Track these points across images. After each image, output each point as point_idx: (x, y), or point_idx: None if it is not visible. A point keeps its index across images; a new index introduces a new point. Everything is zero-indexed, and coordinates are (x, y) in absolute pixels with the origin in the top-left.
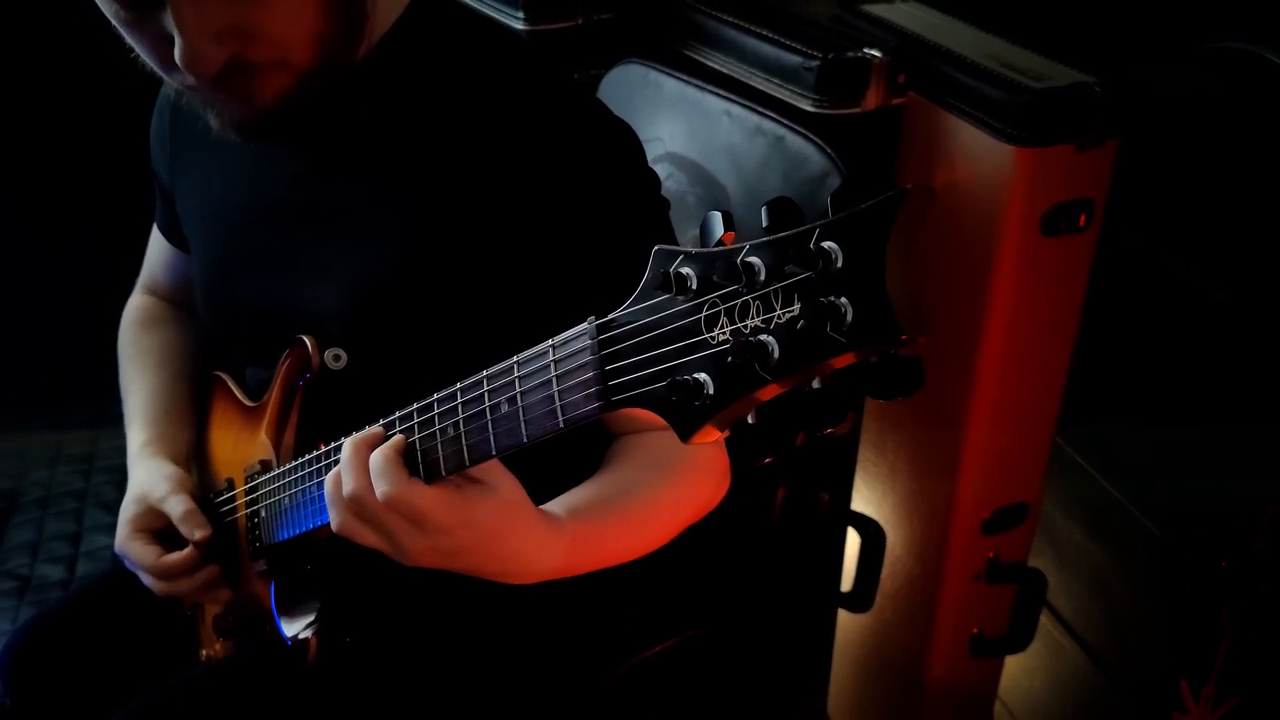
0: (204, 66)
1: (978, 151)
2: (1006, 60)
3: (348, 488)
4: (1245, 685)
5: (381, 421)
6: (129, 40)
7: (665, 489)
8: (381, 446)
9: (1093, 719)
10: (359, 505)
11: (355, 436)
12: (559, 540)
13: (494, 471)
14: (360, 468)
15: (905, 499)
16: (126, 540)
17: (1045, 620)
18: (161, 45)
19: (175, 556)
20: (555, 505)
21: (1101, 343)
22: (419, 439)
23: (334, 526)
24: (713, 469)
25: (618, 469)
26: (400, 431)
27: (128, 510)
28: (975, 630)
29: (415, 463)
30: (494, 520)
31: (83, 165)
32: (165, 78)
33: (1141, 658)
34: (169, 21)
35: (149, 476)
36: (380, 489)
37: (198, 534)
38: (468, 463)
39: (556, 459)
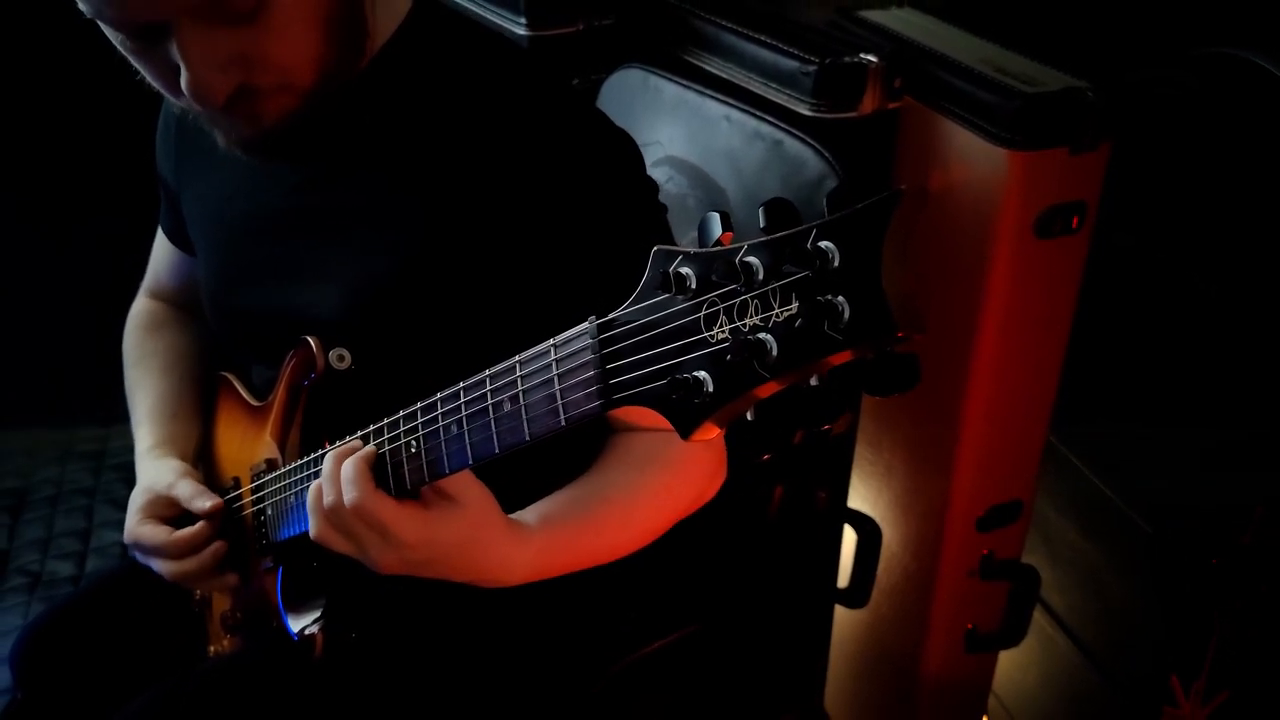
0: (211, 96)
1: (972, 155)
2: (1000, 65)
3: (327, 499)
4: (1236, 680)
5: (371, 428)
6: (135, 65)
7: (643, 492)
8: (352, 458)
9: (1085, 713)
10: (335, 515)
11: (336, 450)
12: (524, 550)
13: (463, 485)
14: (337, 479)
15: (901, 496)
16: (137, 525)
17: (1038, 616)
18: (168, 73)
19: (186, 531)
20: (529, 513)
21: (1094, 342)
22: (423, 436)
23: (312, 534)
24: (701, 467)
25: (597, 472)
26: (380, 441)
27: (137, 499)
28: (970, 626)
29: (385, 474)
30: (458, 537)
31: (88, 165)
32: (172, 101)
33: (1133, 653)
34: (174, 52)
35: (157, 471)
36: (348, 496)
37: (207, 505)
38: (471, 460)
39: (551, 458)
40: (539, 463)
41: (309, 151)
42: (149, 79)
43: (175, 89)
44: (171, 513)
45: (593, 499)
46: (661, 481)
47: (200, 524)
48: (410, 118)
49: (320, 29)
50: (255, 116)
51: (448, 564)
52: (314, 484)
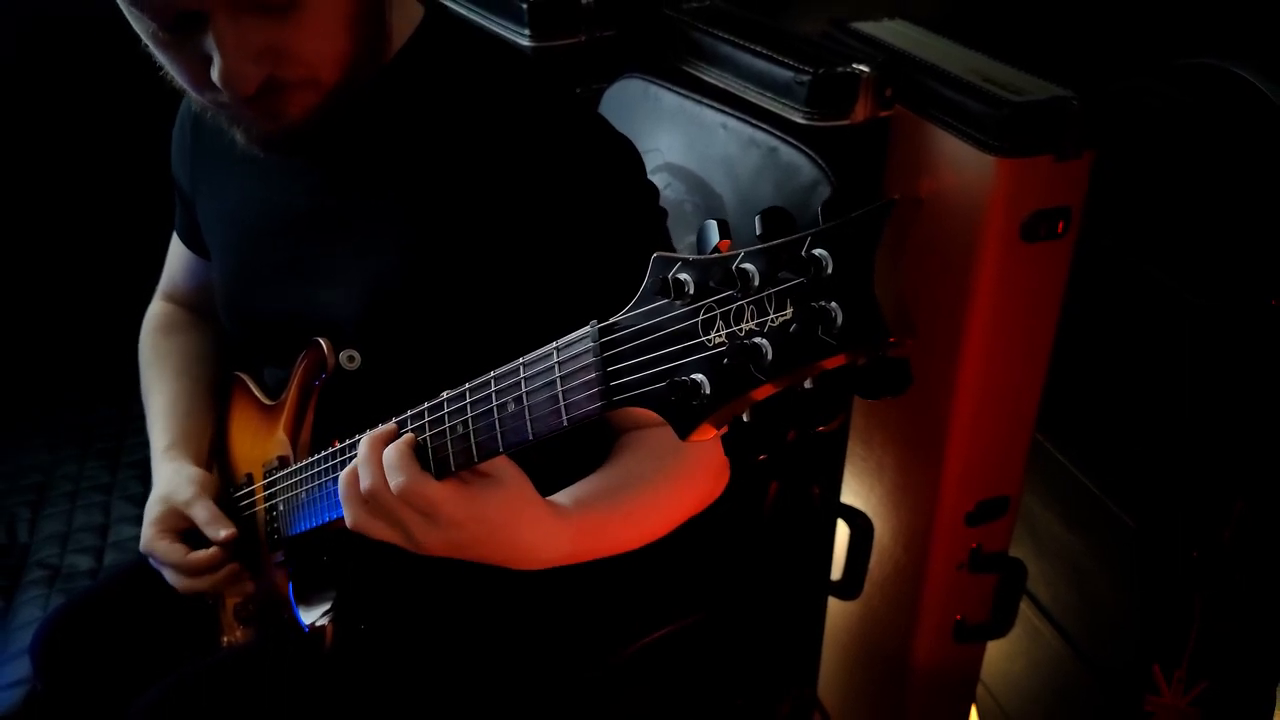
0: (242, 85)
1: (961, 161)
2: (988, 75)
3: (365, 483)
4: (1215, 669)
5: (395, 419)
6: (160, 59)
7: (665, 484)
8: (395, 443)
9: (1070, 702)
10: (374, 500)
11: (371, 434)
12: (564, 529)
13: (502, 466)
14: (376, 463)
15: (892, 492)
16: (153, 540)
17: (1025, 607)
18: (195, 65)
19: (200, 554)
20: (562, 496)
21: (1079, 343)
22: (430, 436)
23: (349, 522)
24: (710, 465)
25: (621, 464)
26: (412, 429)
27: (153, 510)
28: (958, 617)
29: (426, 459)
30: (502, 513)
31: (103, 166)
32: (195, 96)
33: (1117, 643)
34: (208, 43)
35: (174, 479)
36: (395, 482)
37: (223, 534)
38: (476, 459)
39: (564, 454)
40: (550, 456)
41: (325, 152)
42: (173, 72)
43: (200, 82)
44: (187, 525)
45: (621, 489)
46: (680, 477)
47: (214, 549)
48: (422, 122)
49: (348, 26)
50: (278, 111)
51: (492, 542)
52: (346, 471)
